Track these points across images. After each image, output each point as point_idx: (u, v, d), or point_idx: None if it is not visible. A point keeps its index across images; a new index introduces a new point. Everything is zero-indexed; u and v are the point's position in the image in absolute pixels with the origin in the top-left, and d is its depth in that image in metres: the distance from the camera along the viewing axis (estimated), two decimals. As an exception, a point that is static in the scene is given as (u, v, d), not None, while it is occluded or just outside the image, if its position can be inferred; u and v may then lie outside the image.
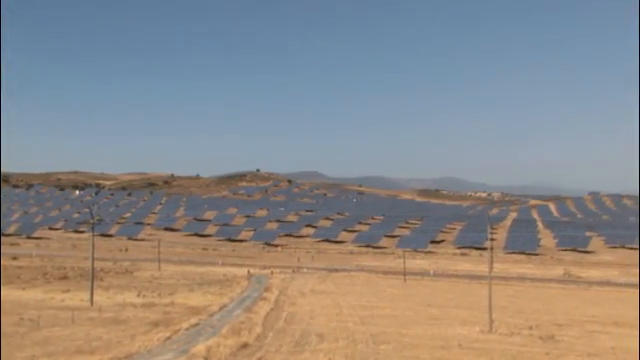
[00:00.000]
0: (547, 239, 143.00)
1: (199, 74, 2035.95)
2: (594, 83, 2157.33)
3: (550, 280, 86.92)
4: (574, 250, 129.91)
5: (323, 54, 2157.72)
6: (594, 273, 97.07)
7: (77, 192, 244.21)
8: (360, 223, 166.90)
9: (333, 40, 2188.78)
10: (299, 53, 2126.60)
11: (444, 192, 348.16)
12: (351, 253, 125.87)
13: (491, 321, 43.47)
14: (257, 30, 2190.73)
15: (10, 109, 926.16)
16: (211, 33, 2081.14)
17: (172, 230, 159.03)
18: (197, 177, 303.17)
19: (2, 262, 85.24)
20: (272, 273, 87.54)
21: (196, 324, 41.47)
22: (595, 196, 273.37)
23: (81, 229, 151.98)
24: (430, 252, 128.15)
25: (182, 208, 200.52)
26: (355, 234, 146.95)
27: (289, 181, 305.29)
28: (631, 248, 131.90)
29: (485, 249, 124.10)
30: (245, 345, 34.11)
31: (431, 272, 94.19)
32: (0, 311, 44.86)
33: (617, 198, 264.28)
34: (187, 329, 39.36)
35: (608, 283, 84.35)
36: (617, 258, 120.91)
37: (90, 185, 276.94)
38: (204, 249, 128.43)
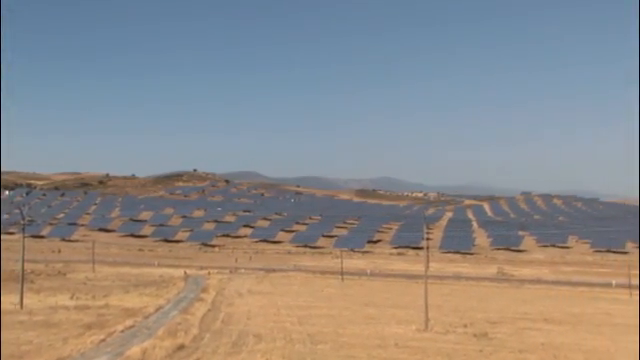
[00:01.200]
0: (481, 238, 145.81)
1: (133, 72, 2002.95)
2: (524, 88, 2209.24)
3: (484, 279, 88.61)
4: (507, 249, 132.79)
5: (258, 52, 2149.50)
6: (526, 271, 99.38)
7: (6, 192, 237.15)
8: (298, 223, 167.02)
9: (264, 39, 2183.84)
10: (233, 51, 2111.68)
11: (381, 192, 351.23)
12: (289, 253, 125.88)
13: (427, 320, 44.10)
14: (189, 28, 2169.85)
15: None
16: (141, 32, 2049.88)
17: (107, 231, 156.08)
18: (133, 177, 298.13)
19: None
20: (209, 274, 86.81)
21: (131, 326, 40.85)
22: (527, 196, 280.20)
23: (11, 230, 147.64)
24: (367, 252, 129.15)
25: (117, 208, 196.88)
26: (293, 234, 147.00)
27: (227, 181, 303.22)
28: (561, 247, 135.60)
29: (421, 248, 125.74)
30: (181, 347, 33.79)
31: (368, 272, 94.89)
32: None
33: (547, 198, 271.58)
34: (122, 331, 38.74)
35: (539, 281, 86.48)
36: (548, 257, 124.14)
37: (21, 185, 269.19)
38: (140, 250, 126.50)
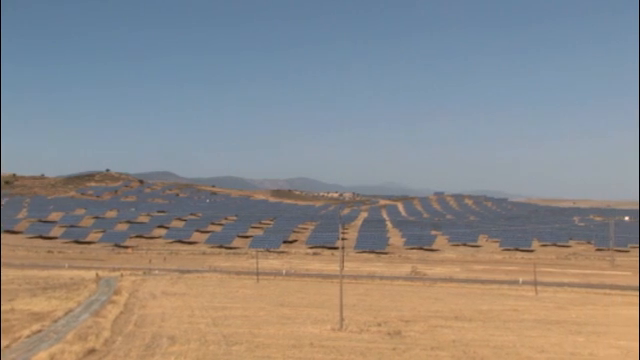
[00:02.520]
0: (395, 238, 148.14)
1: (43, 66, 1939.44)
2: (436, 91, 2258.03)
3: (398, 278, 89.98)
4: (420, 248, 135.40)
5: (172, 48, 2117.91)
6: (438, 270, 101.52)
7: None
8: (213, 224, 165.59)
9: (177, 36, 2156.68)
10: (143, 46, 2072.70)
11: (297, 192, 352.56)
12: (204, 254, 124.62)
13: (342, 319, 44.46)
14: (101, 28, 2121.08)
15: None
16: (48, 25, 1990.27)
17: (13, 232, 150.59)
18: (42, 177, 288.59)
19: None
20: (122, 275, 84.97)
21: (39, 331, 39.52)
22: (440, 196, 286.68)
23: None
24: (283, 252, 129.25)
25: (25, 209, 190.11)
26: (208, 235, 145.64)
27: (140, 181, 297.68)
28: (472, 246, 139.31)
29: (337, 248, 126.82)
30: (92, 350, 32.99)
31: (284, 272, 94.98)
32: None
33: (459, 198, 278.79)
34: (28, 336, 37.44)
35: (451, 279, 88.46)
36: (459, 255, 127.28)
37: None
38: (49, 252, 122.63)
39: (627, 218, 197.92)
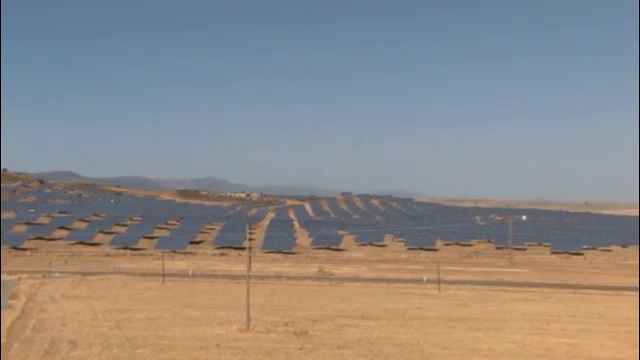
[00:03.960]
0: (303, 238, 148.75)
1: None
2: (342, 90, 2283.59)
3: (305, 277, 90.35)
4: (327, 248, 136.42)
5: (70, 42, 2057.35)
6: (345, 270, 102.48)
7: None
8: (117, 224, 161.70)
9: (81, 31, 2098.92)
10: (37, 40, 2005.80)
11: (204, 192, 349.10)
12: (107, 255, 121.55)
13: (249, 320, 44.36)
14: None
15: None
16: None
17: None
18: None
19: None
20: (19, 279, 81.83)
21: None
22: (347, 196, 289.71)
23: None
24: (189, 253, 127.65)
25: None
26: (112, 236, 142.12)
27: (40, 181, 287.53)
28: (378, 245, 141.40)
29: (244, 249, 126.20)
30: (-15, 358, 31.63)
31: (190, 273, 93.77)
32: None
33: (366, 198, 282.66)
34: None
35: (357, 279, 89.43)
36: (365, 255, 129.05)
37: None
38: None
39: (524, 217, 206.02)
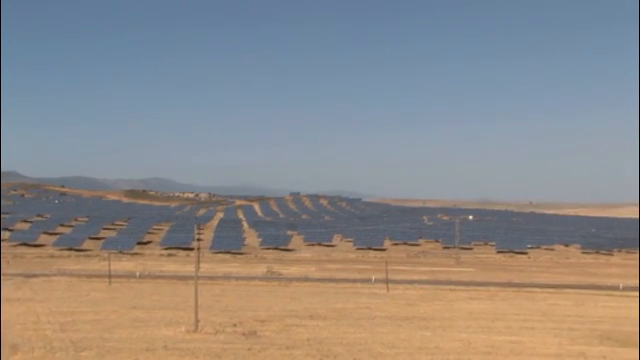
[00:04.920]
0: (252, 238, 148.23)
1: None
2: (289, 89, 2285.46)
3: (254, 278, 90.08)
4: (276, 248, 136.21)
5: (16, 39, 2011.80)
6: (294, 270, 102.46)
7: None
8: (62, 225, 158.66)
9: (40, 32, 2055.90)
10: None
11: (152, 193, 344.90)
12: (52, 257, 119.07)
13: (197, 321, 44.06)
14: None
15: None
16: None
17: None
18: None
19: None
20: (-41, 281, 79.59)
21: None
22: (296, 197, 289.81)
23: None
24: (137, 253, 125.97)
25: None
26: (56, 237, 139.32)
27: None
28: (327, 245, 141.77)
29: (192, 249, 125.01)
30: None
31: (137, 274, 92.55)
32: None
33: (315, 198, 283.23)
34: None
35: (306, 279, 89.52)
36: (314, 255, 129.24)
37: None
38: None
39: (471, 217, 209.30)
